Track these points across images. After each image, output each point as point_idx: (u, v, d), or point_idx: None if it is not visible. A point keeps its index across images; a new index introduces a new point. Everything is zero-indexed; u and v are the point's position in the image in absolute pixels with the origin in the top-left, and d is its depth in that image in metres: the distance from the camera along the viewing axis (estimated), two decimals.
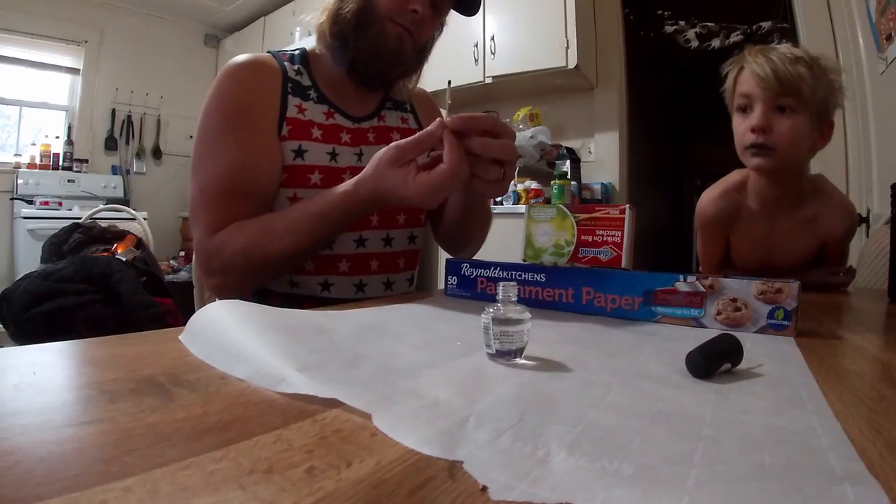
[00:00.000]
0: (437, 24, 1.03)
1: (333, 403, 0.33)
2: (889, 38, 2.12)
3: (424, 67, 1.09)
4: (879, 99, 2.33)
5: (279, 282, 0.97)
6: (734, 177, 1.29)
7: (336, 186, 0.83)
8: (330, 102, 1.03)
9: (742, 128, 1.15)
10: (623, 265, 0.72)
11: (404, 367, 0.42)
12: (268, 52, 1.03)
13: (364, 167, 1.01)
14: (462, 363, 0.44)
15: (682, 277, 0.63)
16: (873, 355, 0.56)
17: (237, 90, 0.94)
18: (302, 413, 0.31)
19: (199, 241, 0.89)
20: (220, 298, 0.84)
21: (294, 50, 1.07)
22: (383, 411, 0.31)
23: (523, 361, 0.45)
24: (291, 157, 0.94)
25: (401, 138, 1.08)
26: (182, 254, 4.48)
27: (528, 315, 0.45)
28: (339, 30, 0.97)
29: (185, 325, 0.51)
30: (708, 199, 1.30)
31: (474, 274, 0.81)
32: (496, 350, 0.45)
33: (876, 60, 2.29)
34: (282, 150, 0.94)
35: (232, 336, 0.45)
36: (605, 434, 0.29)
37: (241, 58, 0.97)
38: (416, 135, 0.74)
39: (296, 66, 1.02)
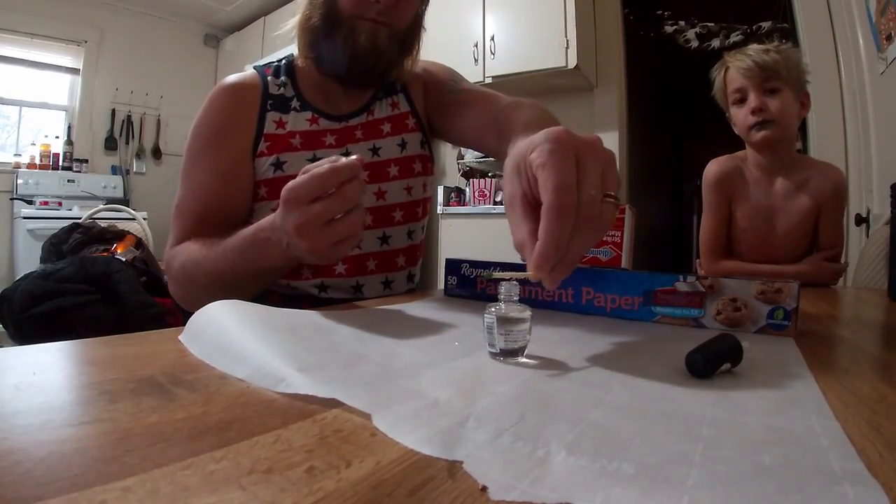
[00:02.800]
0: (415, 1, 0.98)
1: (333, 403, 0.33)
2: (889, 38, 2.13)
3: (422, 47, 1.06)
4: (879, 99, 2.33)
5: (278, 283, 0.97)
6: (737, 153, 1.53)
7: None
8: (313, 108, 1.02)
9: (742, 114, 1.40)
10: (623, 265, 0.72)
11: (404, 367, 0.42)
12: (254, 67, 1.04)
13: None
14: (462, 363, 0.44)
15: (681, 277, 0.63)
16: (873, 355, 0.56)
17: (213, 116, 0.96)
18: (302, 413, 0.31)
19: (167, 249, 0.93)
20: (180, 305, 0.87)
21: (280, 60, 1.07)
22: (383, 411, 0.31)
23: (524, 360, 0.45)
24: (271, 171, 0.95)
25: (391, 128, 1.06)
26: None
27: (529, 314, 0.45)
28: (313, 40, 0.97)
29: (184, 325, 0.51)
30: (714, 160, 1.54)
31: (474, 274, 0.81)
32: (499, 349, 0.45)
33: (876, 60, 2.30)
34: (257, 169, 0.95)
35: (232, 336, 0.45)
36: (605, 434, 0.29)
37: (225, 81, 0.99)
38: (315, 172, 0.62)
39: (280, 79, 1.02)
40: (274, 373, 0.37)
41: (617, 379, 0.40)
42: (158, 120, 5.22)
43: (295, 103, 1.01)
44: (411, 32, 1.00)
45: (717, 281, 0.61)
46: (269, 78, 1.01)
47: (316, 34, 0.95)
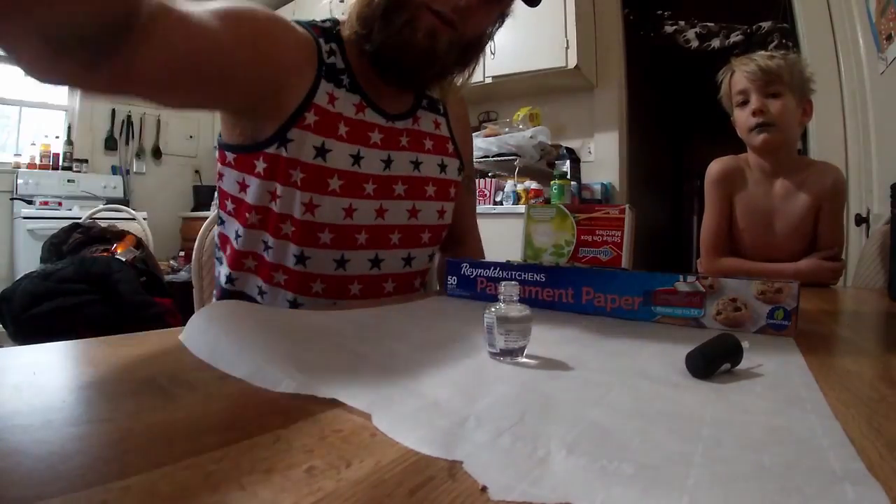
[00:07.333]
0: (492, 15, 0.87)
1: (333, 403, 0.33)
2: (889, 38, 2.13)
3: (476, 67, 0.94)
4: (879, 99, 2.33)
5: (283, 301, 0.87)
6: (740, 154, 1.54)
7: None
8: (363, 92, 0.88)
9: (744, 116, 1.43)
10: (623, 265, 0.72)
11: (404, 367, 0.42)
12: (296, 21, 0.86)
13: (390, 177, 0.90)
14: (462, 363, 0.44)
15: (681, 277, 0.63)
16: (873, 355, 0.56)
17: (274, 31, 0.79)
18: (302, 413, 0.31)
19: None
20: None
21: (324, 22, 0.90)
22: (383, 411, 0.31)
23: (525, 360, 0.45)
24: (311, 154, 0.81)
25: (433, 146, 0.98)
26: (182, 254, 4.48)
27: (529, 314, 0.45)
28: (369, 13, 0.82)
29: (184, 325, 0.51)
30: (716, 160, 1.55)
31: (474, 274, 0.81)
32: (499, 349, 0.45)
33: (876, 60, 2.30)
34: (294, 141, 0.80)
35: (232, 336, 0.45)
36: (606, 434, 0.29)
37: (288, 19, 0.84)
38: None
39: (329, 45, 0.86)
40: (274, 373, 0.37)
41: (617, 379, 0.40)
42: (158, 120, 5.22)
43: (345, 79, 0.87)
44: (474, 47, 0.89)
45: (717, 281, 0.61)
46: (320, 40, 0.86)
47: (375, 8, 0.81)
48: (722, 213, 1.50)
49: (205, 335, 0.47)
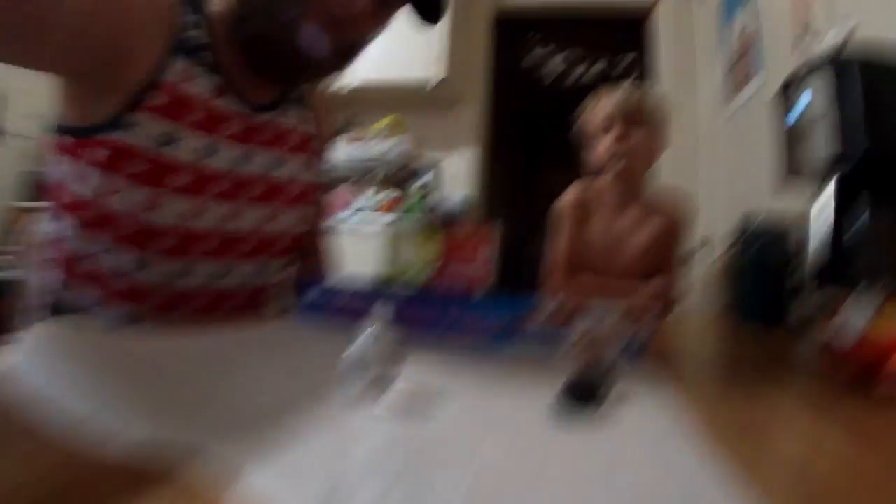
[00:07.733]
0: (377, 23, 0.82)
1: (186, 459, 0.28)
2: (737, 88, 2.48)
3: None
4: (725, 137, 2.73)
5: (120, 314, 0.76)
6: (591, 182, 1.60)
7: None
8: (224, 75, 0.77)
9: (604, 143, 1.49)
10: (486, 286, 0.72)
11: (266, 412, 0.38)
12: None
13: (248, 176, 0.82)
14: (328, 404, 0.41)
15: (543, 304, 0.64)
16: (738, 377, 0.61)
17: None
18: (151, 474, 0.27)
19: None
20: None
21: None
22: (247, 468, 0.28)
23: (390, 397, 0.42)
24: (155, 143, 0.70)
25: (298, 144, 0.89)
26: (12, 248, 3.98)
27: (394, 350, 0.44)
28: None
29: (11, 337, 0.44)
30: (569, 190, 1.60)
31: (331, 297, 0.74)
32: (363, 384, 0.43)
33: (725, 106, 2.69)
34: (136, 125, 0.69)
35: (64, 368, 0.39)
36: (487, 480, 0.29)
37: None
38: None
39: (192, 15, 0.75)
40: (114, 420, 0.32)
41: (481, 422, 0.40)
42: (1, 94, 4.61)
43: (207, 57, 0.76)
44: (353, 51, 0.83)
45: (578, 308, 0.62)
46: (180, 7, 0.74)
47: None
48: (573, 239, 1.55)
49: (31, 365, 0.40)
